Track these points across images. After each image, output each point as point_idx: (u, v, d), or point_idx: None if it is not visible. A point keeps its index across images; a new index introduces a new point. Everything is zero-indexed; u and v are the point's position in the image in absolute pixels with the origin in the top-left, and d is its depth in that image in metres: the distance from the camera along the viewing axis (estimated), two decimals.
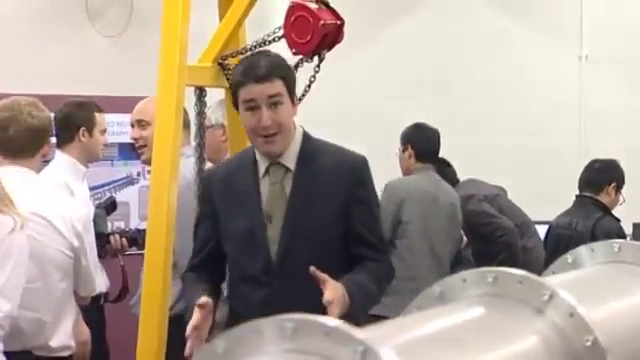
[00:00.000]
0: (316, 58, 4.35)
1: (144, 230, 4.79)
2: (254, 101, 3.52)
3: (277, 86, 3.53)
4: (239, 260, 3.62)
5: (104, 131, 5.17)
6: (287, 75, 3.60)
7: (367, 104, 8.90)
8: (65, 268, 4.19)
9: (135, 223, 5.69)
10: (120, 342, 4.99)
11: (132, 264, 5.00)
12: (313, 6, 4.30)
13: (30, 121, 4.18)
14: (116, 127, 6.07)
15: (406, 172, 6.13)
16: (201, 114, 4.56)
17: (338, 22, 4.34)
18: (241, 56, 4.29)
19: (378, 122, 8.44)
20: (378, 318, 1.51)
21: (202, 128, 4.57)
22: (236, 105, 3.61)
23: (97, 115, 5.11)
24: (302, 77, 4.36)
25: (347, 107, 8.85)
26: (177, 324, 3.79)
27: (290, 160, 3.60)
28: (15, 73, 8.02)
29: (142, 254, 4.65)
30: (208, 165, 4.54)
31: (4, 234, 3.72)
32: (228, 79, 4.36)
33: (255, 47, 4.37)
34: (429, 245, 5.90)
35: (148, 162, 4.62)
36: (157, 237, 4.25)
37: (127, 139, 5.77)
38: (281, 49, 4.18)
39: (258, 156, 3.62)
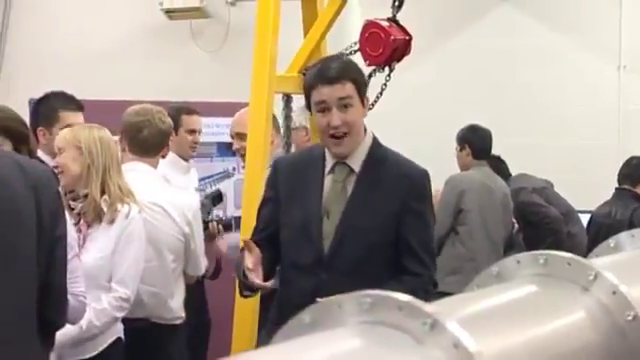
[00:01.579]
0: (387, 68, 4.33)
1: (238, 217, 4.81)
2: (325, 103, 3.21)
3: (347, 88, 3.21)
4: (293, 248, 3.32)
5: (192, 131, 5.15)
6: (357, 77, 3.27)
7: (429, 108, 8.86)
8: (177, 250, 4.22)
9: (231, 211, 5.71)
10: (220, 313, 5.02)
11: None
12: (385, 24, 4.29)
13: (160, 125, 4.23)
14: (215, 128, 6.10)
15: (463, 168, 6.15)
16: (288, 117, 4.57)
17: (406, 37, 4.32)
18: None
19: (439, 124, 8.37)
20: (444, 294, 1.50)
21: (289, 129, 4.57)
22: (309, 107, 3.33)
23: (185, 117, 5.11)
24: (375, 85, 4.35)
25: (412, 111, 8.81)
26: None
27: (356, 162, 3.29)
28: (133, 83, 8.14)
29: None
30: None
31: (126, 222, 3.77)
32: None
33: None
34: (486, 231, 5.90)
35: None
36: (250, 223, 4.27)
37: (224, 139, 5.80)
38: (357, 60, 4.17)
39: (327, 153, 3.33)
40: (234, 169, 6.26)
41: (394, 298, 1.01)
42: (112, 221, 3.75)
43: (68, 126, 4.21)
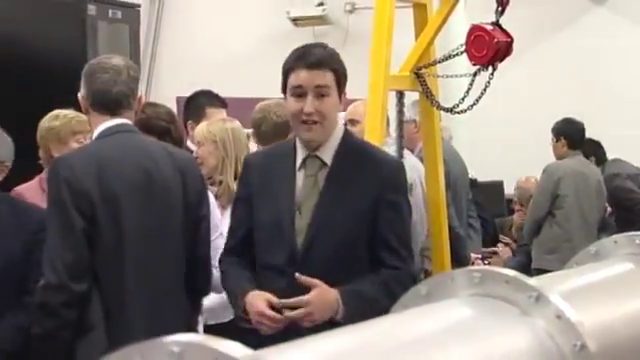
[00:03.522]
0: (490, 68, 4.27)
1: None
2: (301, 88, 2.76)
3: (327, 77, 2.76)
4: (266, 248, 2.83)
5: None
6: (338, 68, 2.81)
7: (527, 102, 8.72)
8: None
9: None
10: None
11: None
12: (489, 27, 4.23)
13: (275, 119, 4.29)
14: None
15: (559, 157, 6.15)
16: (400, 112, 4.55)
17: (508, 39, 4.25)
18: (432, 67, 4.25)
19: (535, 117, 8.21)
20: (543, 271, 1.48)
21: (401, 124, 4.55)
22: (284, 90, 2.84)
23: None
24: (479, 83, 4.30)
25: (511, 105, 8.68)
26: None
27: (327, 154, 2.83)
28: (264, 82, 8.20)
29: None
30: (405, 152, 4.51)
31: None
32: (422, 86, 4.34)
33: (443, 60, 4.32)
34: (581, 214, 5.88)
35: None
36: None
37: None
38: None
39: (298, 147, 2.86)
40: None
41: (502, 273, 1.01)
42: None
43: None
